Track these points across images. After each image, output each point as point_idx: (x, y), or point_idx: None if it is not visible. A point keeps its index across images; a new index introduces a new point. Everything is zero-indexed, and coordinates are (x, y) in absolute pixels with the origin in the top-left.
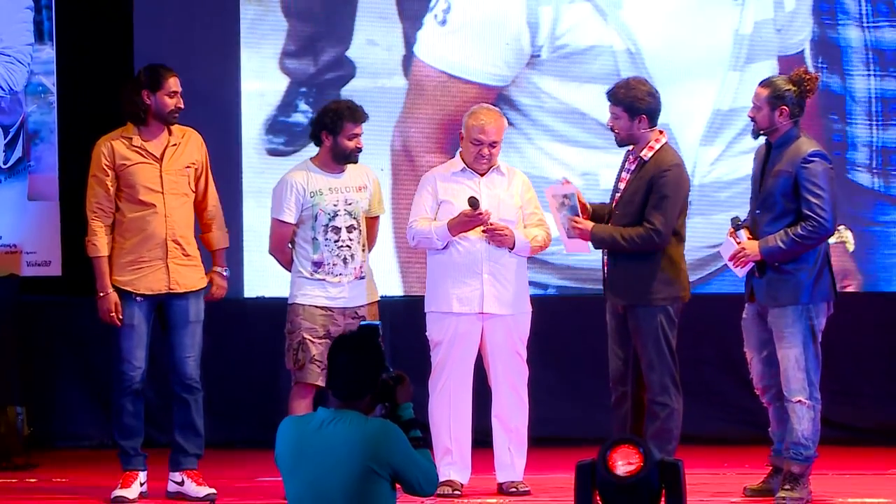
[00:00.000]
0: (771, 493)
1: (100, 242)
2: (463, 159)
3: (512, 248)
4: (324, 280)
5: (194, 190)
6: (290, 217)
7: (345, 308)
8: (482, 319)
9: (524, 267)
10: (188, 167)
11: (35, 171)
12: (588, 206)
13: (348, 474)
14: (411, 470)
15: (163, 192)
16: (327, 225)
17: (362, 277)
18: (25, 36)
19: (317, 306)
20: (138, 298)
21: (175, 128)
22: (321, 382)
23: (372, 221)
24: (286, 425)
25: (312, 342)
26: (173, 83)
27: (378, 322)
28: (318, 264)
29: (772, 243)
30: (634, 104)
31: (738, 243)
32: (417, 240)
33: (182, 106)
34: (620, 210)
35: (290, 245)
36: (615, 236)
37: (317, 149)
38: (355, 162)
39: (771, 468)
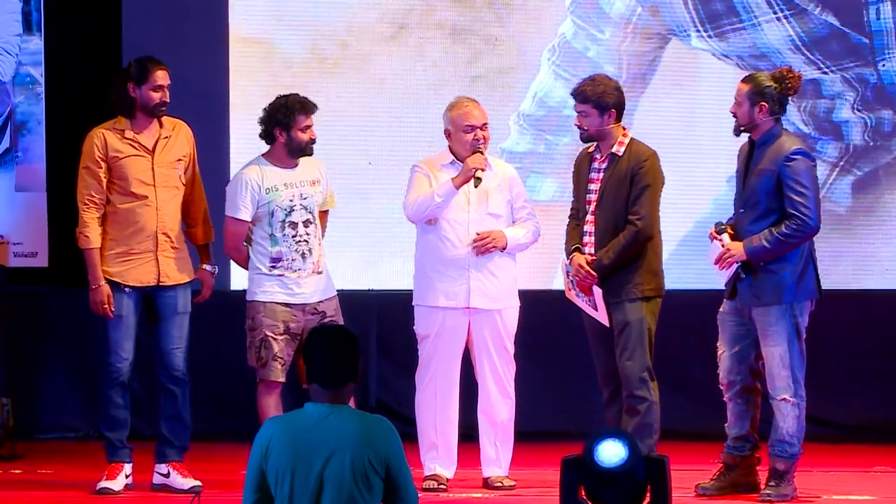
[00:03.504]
0: (723, 492)
1: (92, 234)
2: (453, 152)
3: (504, 249)
4: (282, 276)
5: (184, 183)
6: (245, 215)
7: (304, 304)
8: (469, 314)
9: (512, 261)
10: (179, 160)
11: (22, 162)
12: (585, 258)
13: (347, 467)
14: (405, 473)
15: (154, 185)
16: (284, 220)
17: (320, 272)
18: (14, 27)
19: (277, 303)
20: (127, 290)
21: (166, 120)
22: (284, 379)
23: (322, 215)
24: (275, 426)
25: (275, 339)
26: (160, 77)
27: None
28: (276, 260)
29: (756, 243)
30: (603, 99)
31: (723, 245)
32: (415, 208)
33: (168, 100)
34: (602, 211)
35: (245, 243)
36: (613, 259)
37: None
38: (311, 154)
39: (722, 465)
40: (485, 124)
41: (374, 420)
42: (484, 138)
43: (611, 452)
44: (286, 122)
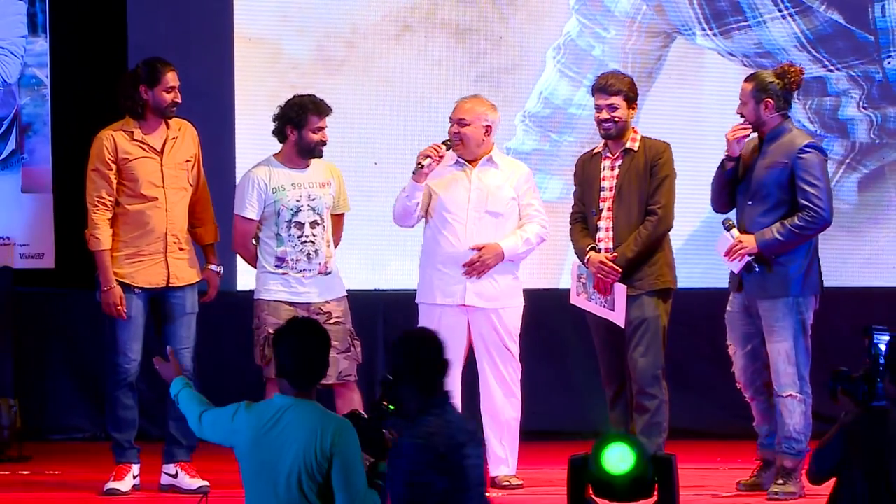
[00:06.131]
0: (762, 487)
1: (103, 236)
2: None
3: (503, 259)
4: (287, 275)
5: (191, 183)
6: (251, 213)
7: (309, 304)
8: (466, 312)
9: (514, 261)
10: (187, 161)
11: (28, 164)
12: (606, 255)
13: (297, 458)
14: (352, 475)
15: (164, 187)
16: (290, 220)
17: (328, 273)
18: (19, 28)
19: (281, 301)
20: (137, 291)
21: (172, 120)
22: None
23: (337, 219)
24: (243, 411)
25: None
26: (171, 78)
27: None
28: (281, 259)
29: (769, 236)
30: (631, 91)
31: (734, 238)
32: (395, 207)
33: (179, 100)
34: (621, 205)
35: (254, 241)
36: (638, 251)
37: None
38: (320, 156)
39: (760, 462)
40: (461, 119)
41: (333, 417)
42: (459, 135)
43: (618, 459)
44: (298, 121)
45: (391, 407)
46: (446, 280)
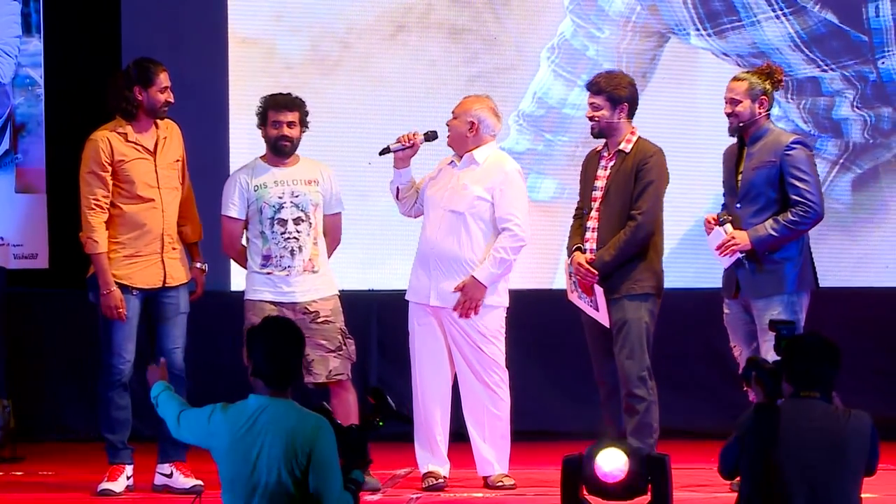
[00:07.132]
0: None
1: (100, 238)
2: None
3: (486, 288)
4: (271, 274)
5: (181, 183)
6: (234, 212)
7: (294, 303)
8: (435, 312)
9: (497, 282)
10: (177, 161)
11: (22, 164)
12: (586, 257)
13: (276, 457)
14: (329, 472)
15: (159, 187)
16: (273, 218)
17: (315, 271)
18: (13, 28)
19: (266, 301)
20: (134, 292)
21: (160, 120)
22: None
23: (332, 218)
24: (219, 413)
25: None
26: (164, 78)
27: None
28: (266, 258)
29: (762, 232)
30: (616, 92)
31: (727, 233)
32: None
33: (172, 100)
34: (606, 208)
35: (244, 242)
36: (615, 255)
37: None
38: (289, 153)
39: None
40: (453, 111)
41: (310, 416)
42: (450, 125)
43: (612, 467)
44: (262, 119)
45: (381, 423)
46: (419, 279)
